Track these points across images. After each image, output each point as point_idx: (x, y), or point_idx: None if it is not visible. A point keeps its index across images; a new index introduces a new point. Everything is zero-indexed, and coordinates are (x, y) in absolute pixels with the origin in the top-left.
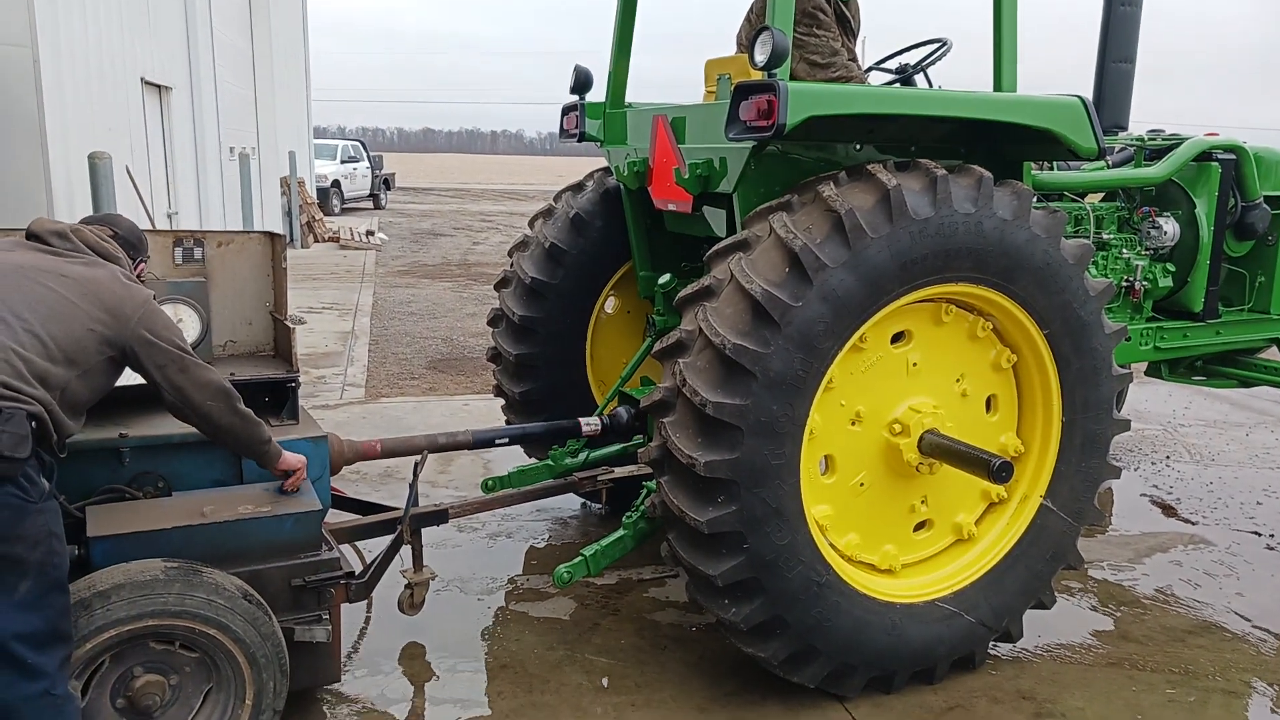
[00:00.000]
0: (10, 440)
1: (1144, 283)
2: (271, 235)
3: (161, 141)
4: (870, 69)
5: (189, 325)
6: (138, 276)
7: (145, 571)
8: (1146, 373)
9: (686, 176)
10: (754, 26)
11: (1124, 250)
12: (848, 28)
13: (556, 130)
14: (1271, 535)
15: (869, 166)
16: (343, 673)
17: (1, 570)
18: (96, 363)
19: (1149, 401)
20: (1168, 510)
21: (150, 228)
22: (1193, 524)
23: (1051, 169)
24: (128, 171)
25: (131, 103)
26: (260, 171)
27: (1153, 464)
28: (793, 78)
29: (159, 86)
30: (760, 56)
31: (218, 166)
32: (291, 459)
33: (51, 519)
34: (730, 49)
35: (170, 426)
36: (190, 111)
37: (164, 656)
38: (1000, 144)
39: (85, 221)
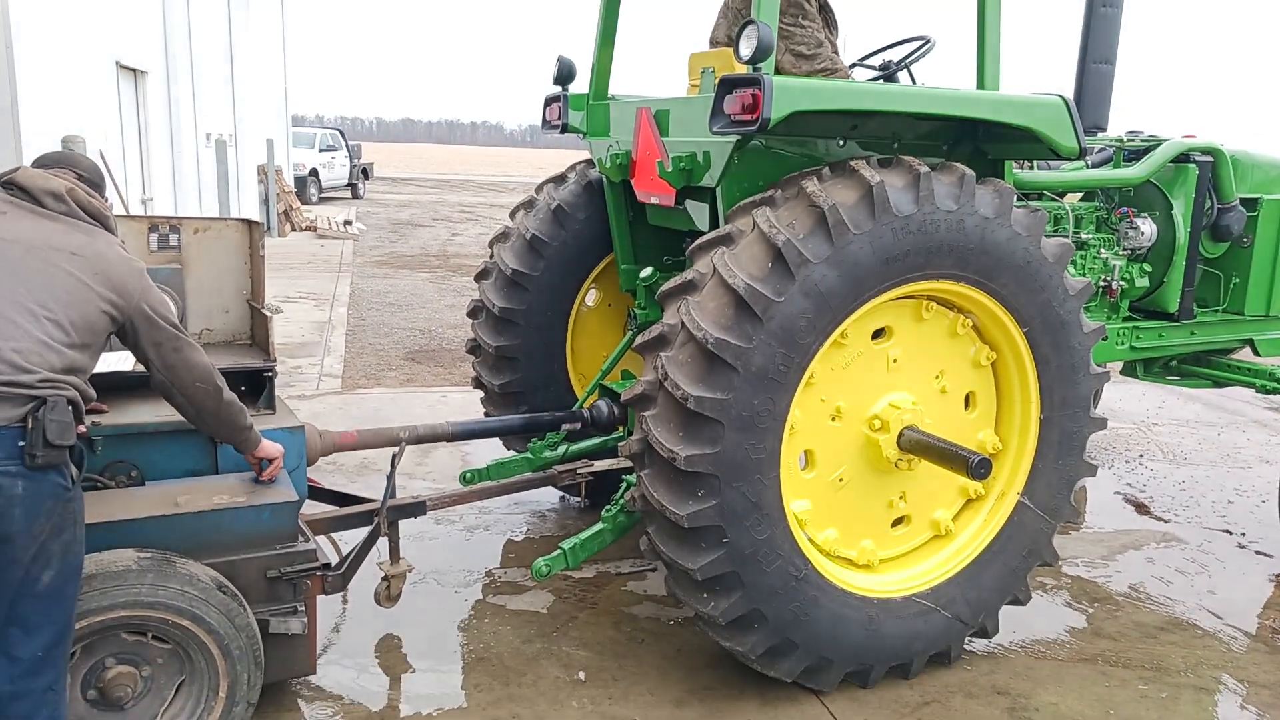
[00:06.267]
0: (57, 428)
1: (1121, 282)
2: (249, 223)
3: (136, 126)
4: (854, 65)
5: None
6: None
7: (118, 561)
8: (1122, 372)
9: (669, 170)
10: (731, 23)
11: (1102, 250)
12: (830, 21)
13: (537, 122)
14: (1243, 534)
15: (852, 162)
16: (318, 665)
17: (31, 560)
18: (103, 340)
19: (1123, 400)
20: (1141, 508)
21: (124, 213)
22: (1165, 522)
23: (1032, 168)
24: (101, 156)
25: (106, 86)
26: (237, 159)
27: (1126, 462)
28: (778, 68)
29: (134, 71)
30: (745, 50)
31: (194, 152)
32: (270, 447)
33: (79, 506)
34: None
35: (144, 415)
36: (166, 96)
37: (136, 648)
38: (983, 142)
39: (40, 163)
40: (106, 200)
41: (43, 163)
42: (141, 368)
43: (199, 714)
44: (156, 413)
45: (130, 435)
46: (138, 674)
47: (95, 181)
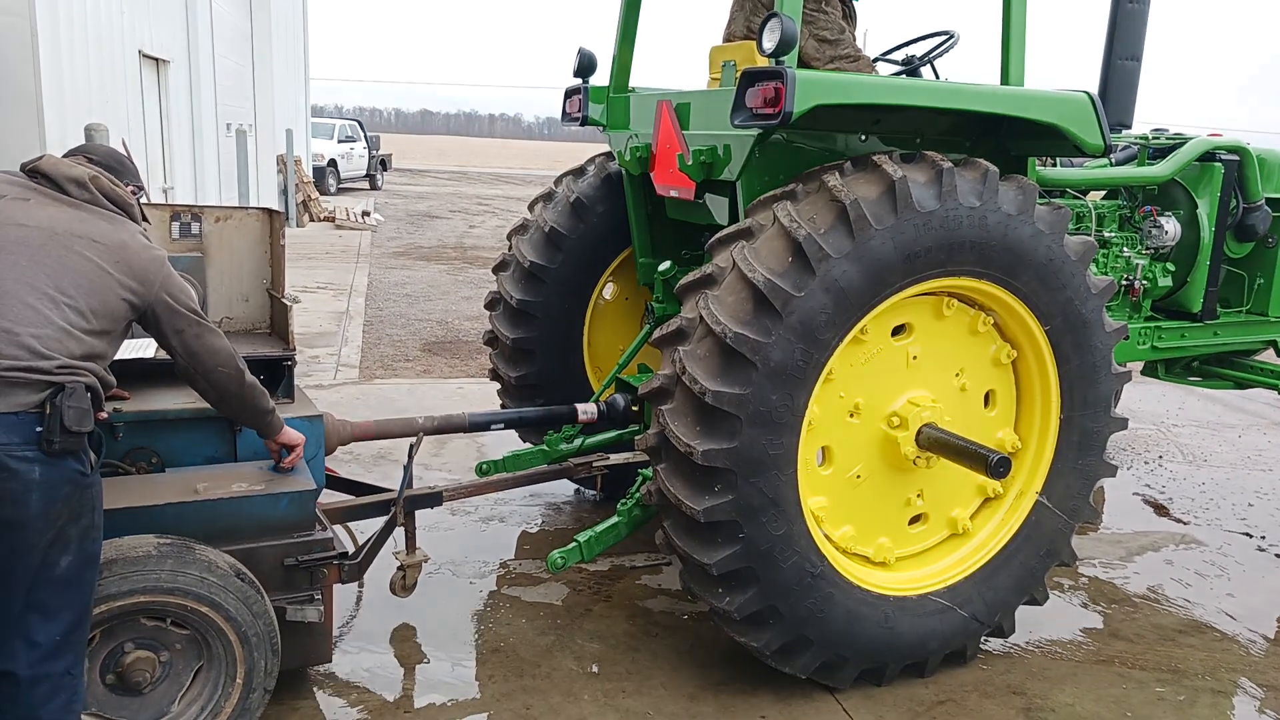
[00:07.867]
0: (75, 415)
1: (1144, 282)
2: (270, 212)
3: (158, 115)
4: (877, 60)
5: None
6: (137, 203)
7: (137, 547)
8: (1143, 372)
9: (690, 163)
10: (748, 15)
11: (1125, 249)
12: (850, 13)
13: (555, 114)
14: (1263, 537)
15: (874, 157)
16: (334, 653)
17: (49, 545)
18: (123, 327)
19: (1143, 401)
20: (1160, 510)
21: (147, 201)
22: (1184, 524)
23: (1055, 165)
24: (124, 144)
25: (129, 75)
26: (257, 148)
27: (1145, 463)
28: (802, 54)
29: (156, 60)
30: (769, 43)
31: (214, 142)
32: (292, 434)
33: (97, 492)
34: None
35: (164, 402)
36: (188, 86)
37: (155, 633)
38: (1006, 138)
39: (67, 154)
40: (140, 187)
41: (69, 153)
42: (163, 355)
43: (216, 700)
44: (177, 400)
45: (151, 422)
46: (156, 659)
47: (117, 169)
